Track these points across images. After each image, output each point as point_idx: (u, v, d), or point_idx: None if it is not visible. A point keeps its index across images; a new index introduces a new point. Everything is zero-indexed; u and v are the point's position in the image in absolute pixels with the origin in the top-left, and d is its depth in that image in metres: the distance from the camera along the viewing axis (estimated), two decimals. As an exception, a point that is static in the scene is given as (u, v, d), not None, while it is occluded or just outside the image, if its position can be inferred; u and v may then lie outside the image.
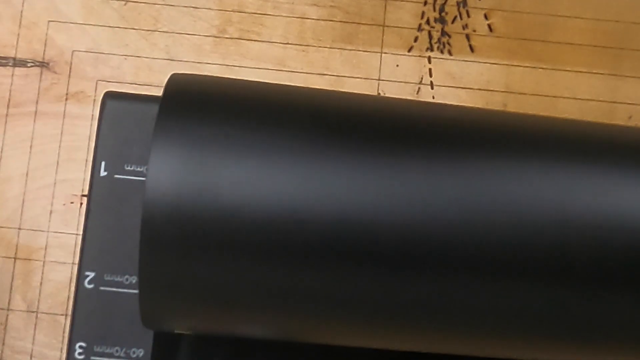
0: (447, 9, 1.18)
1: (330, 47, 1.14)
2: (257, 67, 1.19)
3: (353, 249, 0.26)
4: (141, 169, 0.34)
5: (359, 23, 1.18)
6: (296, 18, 1.18)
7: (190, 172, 0.25)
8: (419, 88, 1.15)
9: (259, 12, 1.18)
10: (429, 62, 1.14)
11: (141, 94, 0.38)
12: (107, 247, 0.33)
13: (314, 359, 0.38)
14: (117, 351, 0.33)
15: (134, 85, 0.90)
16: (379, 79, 1.13)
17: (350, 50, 1.14)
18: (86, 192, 0.44)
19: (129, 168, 0.34)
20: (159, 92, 0.27)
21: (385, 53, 1.15)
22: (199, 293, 0.27)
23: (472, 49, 1.15)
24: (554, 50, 1.16)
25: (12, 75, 0.68)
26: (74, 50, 0.71)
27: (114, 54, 0.74)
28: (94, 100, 0.81)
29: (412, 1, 1.16)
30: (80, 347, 0.34)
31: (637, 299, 0.30)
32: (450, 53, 1.15)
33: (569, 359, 0.34)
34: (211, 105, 0.27)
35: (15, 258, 0.76)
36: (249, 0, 1.18)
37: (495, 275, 0.26)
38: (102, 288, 0.34)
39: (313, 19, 1.19)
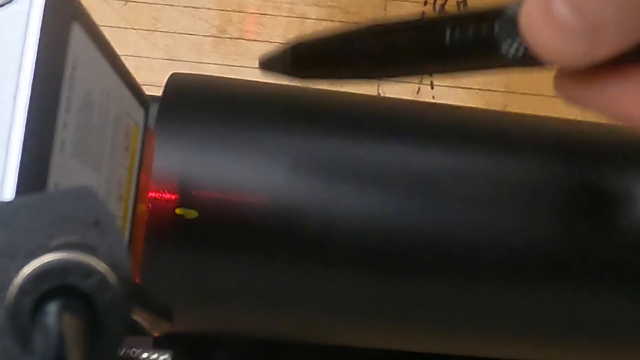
0: (447, 9, 1.19)
1: (330, 47, 1.14)
2: (257, 67, 1.18)
3: (355, 250, 0.26)
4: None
5: (359, 23, 1.18)
6: (296, 18, 1.19)
7: (191, 168, 0.25)
8: (419, 88, 1.15)
9: (259, 12, 1.18)
10: (429, 62, 1.14)
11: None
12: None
13: (314, 359, 0.38)
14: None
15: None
16: (379, 79, 1.13)
17: (350, 50, 1.14)
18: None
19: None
20: (159, 92, 0.27)
21: (385, 53, 1.15)
22: (199, 292, 0.27)
23: (472, 49, 1.15)
24: (554, 50, 1.16)
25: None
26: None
27: (114, 54, 0.74)
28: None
29: (412, 1, 1.17)
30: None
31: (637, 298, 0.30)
32: (450, 53, 1.15)
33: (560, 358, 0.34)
34: (210, 104, 0.27)
35: None
36: (249, 0, 1.19)
37: (496, 278, 0.26)
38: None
39: (313, 19, 1.19)
